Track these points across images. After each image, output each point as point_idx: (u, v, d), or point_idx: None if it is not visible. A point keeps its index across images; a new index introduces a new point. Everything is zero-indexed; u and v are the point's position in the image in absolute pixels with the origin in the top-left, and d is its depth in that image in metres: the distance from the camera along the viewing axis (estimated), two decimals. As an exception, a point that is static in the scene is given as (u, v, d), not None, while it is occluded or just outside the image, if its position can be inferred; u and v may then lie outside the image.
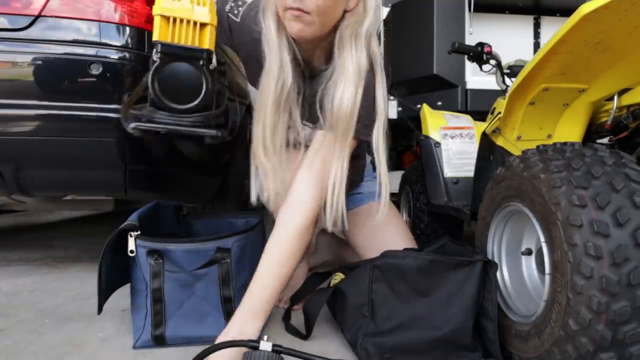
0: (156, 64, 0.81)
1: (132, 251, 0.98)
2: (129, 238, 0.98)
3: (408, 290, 0.94)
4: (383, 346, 0.92)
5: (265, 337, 0.81)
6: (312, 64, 1.09)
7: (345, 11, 1.00)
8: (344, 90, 0.98)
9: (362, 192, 1.41)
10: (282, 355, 0.80)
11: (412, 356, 0.91)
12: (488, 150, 1.36)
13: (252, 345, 0.79)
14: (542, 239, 0.80)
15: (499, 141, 1.29)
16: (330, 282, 1.18)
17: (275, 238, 0.96)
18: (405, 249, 1.15)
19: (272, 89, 0.99)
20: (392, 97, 2.48)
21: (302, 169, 1.02)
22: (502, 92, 1.55)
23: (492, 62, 1.58)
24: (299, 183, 1.01)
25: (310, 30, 0.97)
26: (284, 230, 0.96)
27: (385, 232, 1.32)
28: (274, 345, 0.79)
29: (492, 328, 0.91)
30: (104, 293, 1.01)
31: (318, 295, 1.09)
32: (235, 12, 1.10)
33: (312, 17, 0.95)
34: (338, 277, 1.13)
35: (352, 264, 1.16)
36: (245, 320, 0.90)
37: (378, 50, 1.06)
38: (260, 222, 1.17)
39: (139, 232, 0.99)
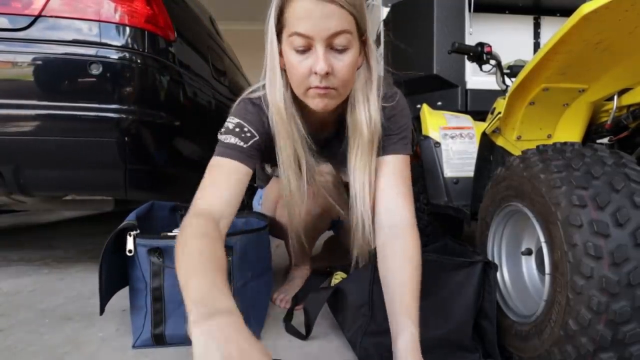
0: None
1: (130, 251, 0.98)
2: (128, 238, 0.98)
3: None
4: (382, 346, 0.92)
5: None
6: (318, 134, 1.06)
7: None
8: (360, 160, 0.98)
9: None
10: None
11: None
12: (488, 150, 1.36)
13: None
14: (542, 239, 0.80)
15: (499, 141, 1.29)
16: (330, 281, 1.18)
17: None
18: None
19: (288, 159, 0.99)
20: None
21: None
22: (502, 92, 1.55)
23: (492, 62, 1.58)
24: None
25: (334, 102, 0.94)
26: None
27: None
28: None
29: (491, 329, 0.91)
30: (106, 294, 1.01)
31: (318, 295, 1.08)
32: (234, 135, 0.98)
33: (337, 91, 0.91)
34: (339, 275, 1.13)
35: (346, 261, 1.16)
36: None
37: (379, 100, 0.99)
38: (267, 226, 1.17)
39: (138, 231, 0.99)
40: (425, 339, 0.90)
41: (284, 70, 0.94)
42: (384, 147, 1.01)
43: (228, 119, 1.00)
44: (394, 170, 0.99)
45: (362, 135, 0.96)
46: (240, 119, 0.99)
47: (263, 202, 1.51)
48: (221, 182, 0.92)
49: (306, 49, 0.86)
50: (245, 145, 0.96)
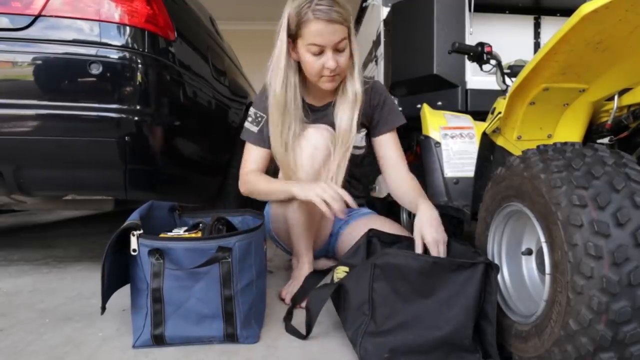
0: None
1: (134, 250, 0.98)
2: (132, 237, 0.98)
3: (409, 291, 0.94)
4: (382, 346, 0.92)
5: None
6: (313, 102, 1.45)
7: None
8: (344, 112, 1.38)
9: (362, 211, 1.67)
10: None
11: (412, 356, 0.91)
12: (488, 150, 1.35)
13: None
14: (543, 239, 0.80)
15: (499, 141, 1.29)
16: (332, 277, 1.18)
17: None
18: (402, 242, 1.19)
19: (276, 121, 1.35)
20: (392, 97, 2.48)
21: None
22: (503, 92, 1.54)
23: (493, 62, 1.58)
24: None
25: (337, 83, 1.36)
26: None
27: (377, 221, 1.54)
28: None
29: (491, 330, 0.92)
30: (107, 293, 1.01)
31: (321, 292, 1.09)
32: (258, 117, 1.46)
33: (339, 76, 1.34)
34: (340, 270, 1.13)
35: (348, 252, 1.19)
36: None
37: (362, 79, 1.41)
38: (262, 224, 1.17)
39: (141, 231, 0.99)
40: (425, 340, 0.90)
41: (297, 62, 1.34)
42: (378, 126, 1.48)
43: (250, 109, 1.49)
44: (390, 143, 1.48)
45: (348, 96, 1.38)
46: (254, 107, 1.47)
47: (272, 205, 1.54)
48: (250, 158, 1.46)
49: (319, 53, 1.27)
50: (257, 129, 1.45)
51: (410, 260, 0.94)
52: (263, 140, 1.44)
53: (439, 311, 0.92)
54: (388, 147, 1.47)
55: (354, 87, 1.37)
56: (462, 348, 0.91)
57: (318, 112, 1.44)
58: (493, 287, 0.91)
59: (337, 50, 1.27)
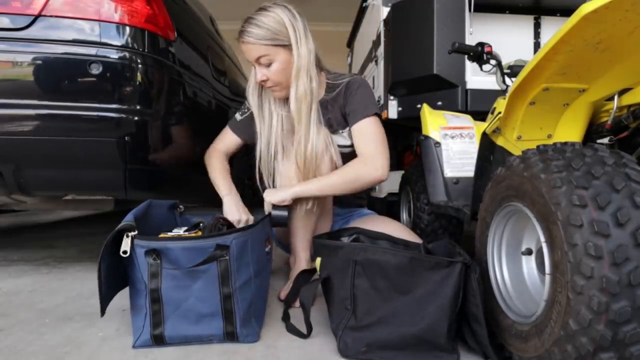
0: None
1: (125, 252, 0.96)
2: (124, 238, 0.97)
3: (388, 287, 0.97)
4: (360, 340, 0.96)
5: None
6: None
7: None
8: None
9: (363, 211, 1.70)
10: None
11: (387, 351, 0.94)
12: (488, 150, 1.36)
13: None
14: (542, 239, 0.80)
15: (499, 141, 1.29)
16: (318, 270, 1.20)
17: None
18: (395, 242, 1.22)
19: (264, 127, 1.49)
20: (392, 97, 2.48)
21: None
22: (503, 92, 1.55)
23: (493, 62, 1.58)
24: None
25: (282, 93, 1.44)
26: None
27: (388, 225, 1.51)
28: None
29: (482, 332, 0.92)
30: (107, 295, 1.01)
31: (310, 285, 1.12)
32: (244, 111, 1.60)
33: (278, 86, 1.42)
34: (317, 261, 1.13)
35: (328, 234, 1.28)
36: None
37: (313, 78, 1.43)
38: (260, 222, 1.17)
39: (136, 232, 0.98)
40: (400, 336, 0.93)
41: None
42: (349, 117, 1.47)
43: None
44: (359, 134, 1.44)
45: (299, 103, 1.38)
46: (247, 99, 1.56)
47: None
48: (222, 140, 1.63)
49: (255, 67, 1.41)
50: (240, 118, 1.59)
51: (389, 256, 0.97)
52: (239, 129, 1.58)
53: (415, 308, 0.94)
54: (356, 138, 1.45)
55: (296, 93, 1.37)
56: (437, 347, 0.93)
57: None
58: (475, 289, 0.92)
59: (261, 64, 1.38)
